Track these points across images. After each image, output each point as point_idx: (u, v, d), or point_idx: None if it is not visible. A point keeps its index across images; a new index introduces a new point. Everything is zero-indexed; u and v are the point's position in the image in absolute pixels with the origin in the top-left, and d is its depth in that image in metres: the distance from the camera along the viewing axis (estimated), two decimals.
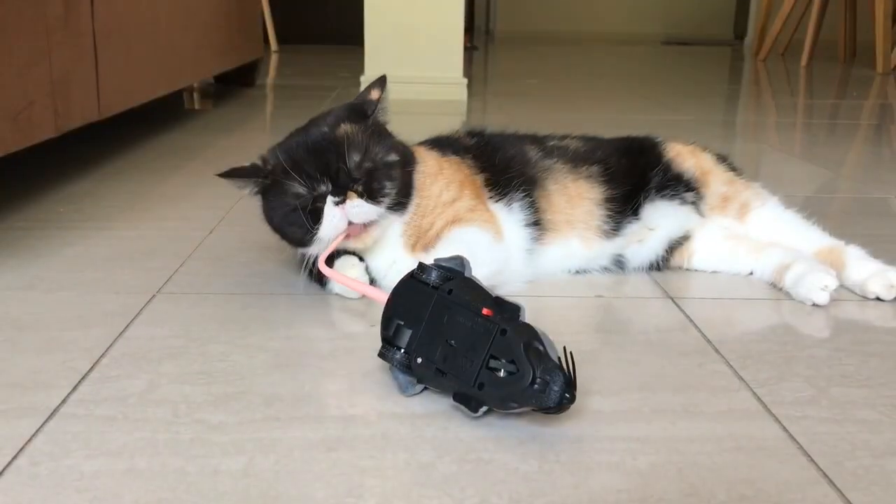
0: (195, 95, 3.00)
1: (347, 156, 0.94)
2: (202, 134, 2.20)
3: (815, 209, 1.21)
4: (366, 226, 0.96)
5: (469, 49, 5.17)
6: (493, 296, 0.73)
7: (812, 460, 0.68)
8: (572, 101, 3.02)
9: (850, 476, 0.66)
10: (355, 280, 0.94)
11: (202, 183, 1.60)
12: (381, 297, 0.82)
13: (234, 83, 3.18)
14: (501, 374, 0.68)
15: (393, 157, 0.98)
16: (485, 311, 0.71)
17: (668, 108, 2.90)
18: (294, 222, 0.96)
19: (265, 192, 0.99)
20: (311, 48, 5.21)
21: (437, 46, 2.94)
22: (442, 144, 1.12)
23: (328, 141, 0.96)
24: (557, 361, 0.68)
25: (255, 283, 1.07)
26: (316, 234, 0.94)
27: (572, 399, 0.67)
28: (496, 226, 1.02)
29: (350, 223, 0.94)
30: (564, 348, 0.70)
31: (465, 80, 2.96)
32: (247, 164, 1.00)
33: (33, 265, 1.11)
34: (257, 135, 2.24)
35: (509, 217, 1.05)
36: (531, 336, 0.68)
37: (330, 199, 0.93)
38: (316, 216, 0.94)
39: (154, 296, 1.02)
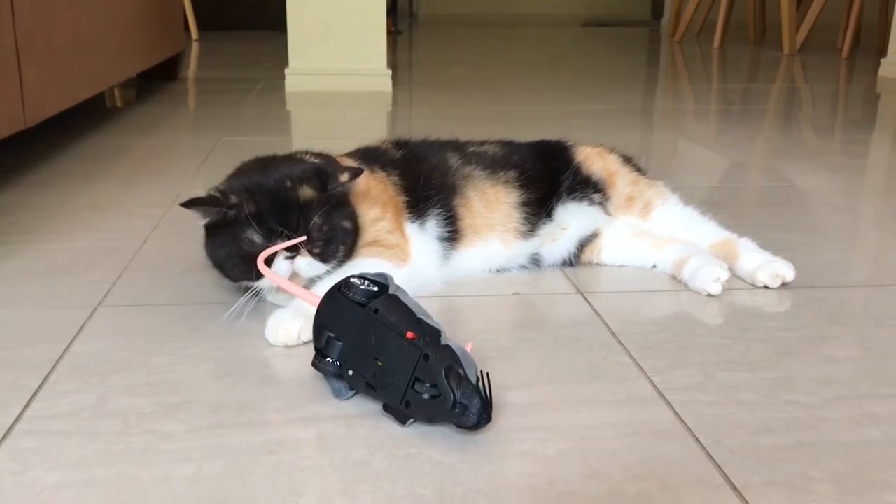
0: (117, 93, 2.98)
1: (311, 220, 0.99)
2: (126, 134, 2.21)
3: (722, 198, 1.32)
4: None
5: (392, 33, 5.20)
6: (416, 317, 0.80)
7: (697, 440, 0.78)
8: (496, 92, 3.10)
9: (728, 452, 0.76)
10: (290, 282, 0.97)
11: (130, 189, 1.63)
12: (315, 301, 0.88)
13: (157, 77, 3.17)
14: (425, 396, 0.76)
15: (347, 225, 1.04)
16: (409, 334, 0.78)
17: (590, 97, 3.01)
18: (237, 265, 1.01)
19: (215, 226, 1.01)
20: (233, 35, 5.17)
21: (361, 38, 2.99)
22: (370, 158, 1.19)
23: (293, 200, 1.00)
24: (476, 380, 0.76)
25: (193, 293, 1.12)
26: (257, 280, 1.00)
27: (488, 419, 0.75)
28: (403, 251, 1.09)
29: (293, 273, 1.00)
30: (482, 371, 0.78)
31: (390, 72, 3.02)
32: (202, 194, 1.01)
33: None
34: (182, 134, 2.26)
35: (423, 236, 1.13)
36: (452, 360, 0.76)
37: (282, 254, 0.98)
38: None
39: (95, 309, 1.06)
